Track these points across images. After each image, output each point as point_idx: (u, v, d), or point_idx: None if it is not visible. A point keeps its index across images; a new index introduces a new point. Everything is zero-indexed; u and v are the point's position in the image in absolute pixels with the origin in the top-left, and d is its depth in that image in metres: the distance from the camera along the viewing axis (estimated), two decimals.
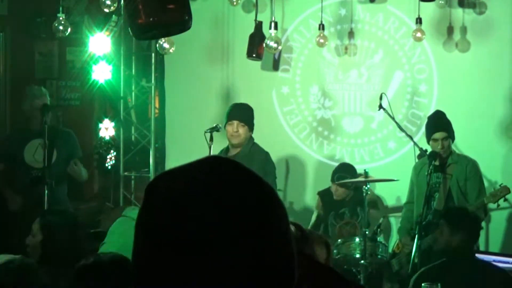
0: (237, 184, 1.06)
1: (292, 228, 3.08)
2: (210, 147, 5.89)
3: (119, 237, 4.17)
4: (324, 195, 6.79)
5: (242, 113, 6.05)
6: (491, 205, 6.03)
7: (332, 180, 6.64)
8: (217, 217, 1.02)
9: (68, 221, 4.19)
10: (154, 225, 1.04)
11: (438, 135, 6.03)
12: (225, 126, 6.06)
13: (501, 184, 5.88)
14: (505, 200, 5.94)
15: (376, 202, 6.95)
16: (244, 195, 1.05)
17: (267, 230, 1.04)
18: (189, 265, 1.01)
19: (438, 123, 6.12)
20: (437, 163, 6.04)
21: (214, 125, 6.00)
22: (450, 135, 6.08)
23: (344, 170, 6.63)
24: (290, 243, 1.07)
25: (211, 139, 5.90)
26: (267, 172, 5.93)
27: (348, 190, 6.60)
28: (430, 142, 6.08)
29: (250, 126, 6.06)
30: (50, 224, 4.15)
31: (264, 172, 5.85)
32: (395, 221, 6.96)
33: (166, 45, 6.18)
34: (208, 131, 5.92)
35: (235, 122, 5.98)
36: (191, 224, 1.01)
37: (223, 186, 1.05)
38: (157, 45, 6.41)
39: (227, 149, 6.14)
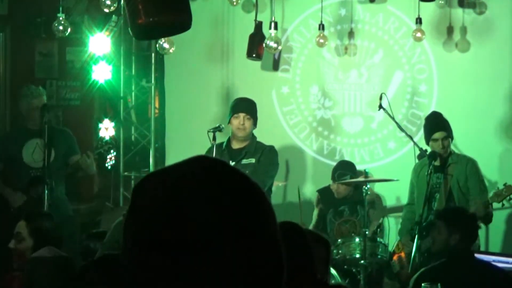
0: (225, 184, 1.05)
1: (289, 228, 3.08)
2: (213, 146, 5.87)
3: None
4: (324, 193, 6.80)
5: (249, 106, 6.07)
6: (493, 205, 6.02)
7: (333, 178, 6.65)
8: (204, 217, 1.01)
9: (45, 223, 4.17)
10: (141, 226, 1.04)
11: (438, 134, 6.03)
12: (229, 120, 6.05)
13: (506, 183, 5.87)
14: (510, 199, 5.93)
15: (374, 201, 6.95)
16: (233, 194, 1.05)
17: (255, 230, 1.04)
18: (176, 266, 1.01)
19: (437, 123, 6.12)
20: (437, 163, 6.04)
21: (217, 125, 5.98)
22: (449, 134, 6.08)
23: (344, 168, 6.64)
24: (279, 243, 1.07)
25: (214, 138, 5.89)
26: (274, 163, 6.01)
27: (349, 187, 6.61)
28: (430, 143, 6.08)
29: (255, 120, 6.07)
30: (41, 228, 4.12)
31: (271, 162, 5.93)
32: (394, 221, 6.95)
33: (166, 45, 6.18)
34: (211, 130, 5.90)
35: (242, 115, 5.97)
36: (177, 224, 1.01)
37: (211, 186, 1.04)
38: (157, 45, 6.41)
39: (228, 141, 6.09)
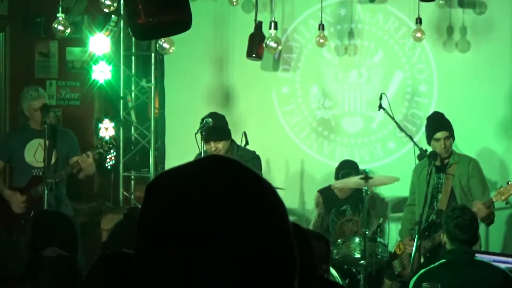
0: (237, 182, 1.07)
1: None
2: (201, 150, 5.82)
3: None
4: (325, 193, 6.79)
5: (214, 133, 5.98)
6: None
7: (337, 178, 6.59)
8: (217, 212, 1.02)
9: (59, 223, 4.18)
10: (155, 221, 1.05)
11: (440, 134, 6.03)
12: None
13: (509, 181, 5.86)
14: None
15: (375, 201, 6.95)
16: (244, 192, 1.06)
17: (267, 228, 1.05)
18: (188, 262, 1.01)
19: (439, 123, 6.12)
20: (438, 163, 6.05)
21: (203, 123, 5.94)
22: (451, 134, 6.08)
23: (349, 167, 6.63)
24: (291, 242, 1.08)
25: (203, 138, 5.85)
26: (257, 168, 5.94)
27: (352, 187, 6.60)
28: (432, 142, 6.08)
29: (227, 137, 6.04)
30: (38, 225, 4.15)
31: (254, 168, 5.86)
32: (395, 222, 6.95)
33: (166, 45, 6.18)
34: (198, 131, 5.86)
35: (211, 143, 5.99)
36: (191, 220, 1.02)
37: (222, 184, 1.06)
38: (157, 45, 6.41)
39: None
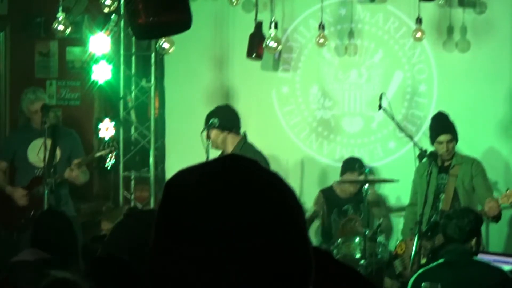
0: (255, 180, 1.07)
1: None
2: (207, 149, 5.81)
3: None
4: (327, 193, 6.80)
5: (207, 119, 5.93)
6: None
7: (353, 170, 6.53)
8: (235, 210, 1.03)
9: (58, 223, 4.18)
10: (174, 218, 1.05)
11: (443, 137, 6.03)
12: None
13: None
14: None
15: (379, 200, 6.95)
16: (263, 191, 1.06)
17: (283, 228, 1.05)
18: (208, 257, 1.01)
19: (443, 126, 6.12)
20: (439, 163, 6.06)
21: (210, 122, 5.93)
22: (455, 137, 6.09)
23: (361, 162, 6.64)
24: (307, 242, 1.08)
25: (208, 137, 5.85)
26: None
27: (358, 186, 6.60)
28: (435, 145, 6.09)
29: (221, 127, 5.86)
30: (39, 224, 4.15)
31: None
32: (396, 221, 6.95)
33: (166, 45, 6.18)
34: (205, 129, 5.86)
35: (206, 131, 5.93)
36: (211, 217, 1.02)
37: (242, 182, 1.06)
38: (157, 45, 6.41)
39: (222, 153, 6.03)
